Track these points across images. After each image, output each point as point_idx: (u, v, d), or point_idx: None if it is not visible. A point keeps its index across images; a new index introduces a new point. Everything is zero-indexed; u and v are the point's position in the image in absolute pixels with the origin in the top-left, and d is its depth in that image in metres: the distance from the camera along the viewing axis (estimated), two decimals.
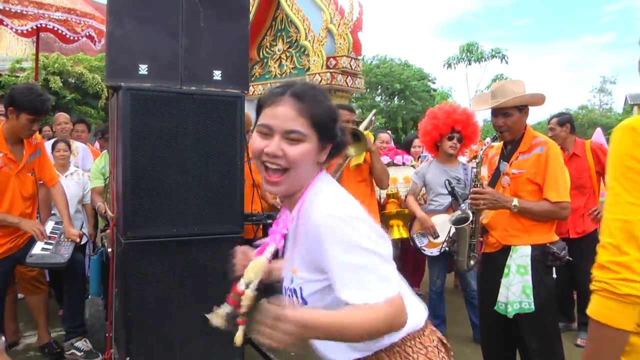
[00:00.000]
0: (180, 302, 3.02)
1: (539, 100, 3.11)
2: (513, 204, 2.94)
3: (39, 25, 6.19)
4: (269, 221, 4.30)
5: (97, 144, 6.38)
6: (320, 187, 1.50)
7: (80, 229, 4.54)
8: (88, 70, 13.45)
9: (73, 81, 13.42)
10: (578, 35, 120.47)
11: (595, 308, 1.36)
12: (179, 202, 2.99)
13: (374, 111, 3.69)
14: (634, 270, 1.29)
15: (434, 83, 35.36)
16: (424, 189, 4.82)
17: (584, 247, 4.26)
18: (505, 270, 2.98)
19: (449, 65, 36.22)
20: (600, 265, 1.36)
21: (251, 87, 7.67)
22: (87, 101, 13.84)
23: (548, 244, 2.96)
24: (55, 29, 6.25)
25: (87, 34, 6.50)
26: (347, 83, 7.22)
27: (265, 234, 4.74)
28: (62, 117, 6.00)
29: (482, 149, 3.19)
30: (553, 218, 3.01)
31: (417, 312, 1.57)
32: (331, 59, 7.18)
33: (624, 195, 1.37)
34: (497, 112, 3.09)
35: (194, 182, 3.03)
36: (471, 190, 3.07)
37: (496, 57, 35.15)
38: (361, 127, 3.60)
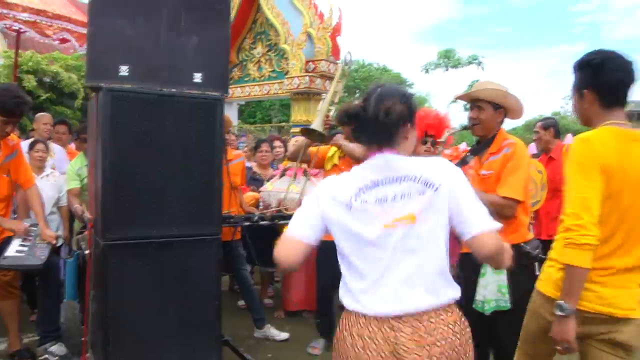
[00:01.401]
0: (159, 304, 3.00)
1: (514, 104, 3.17)
2: None
3: (2, 26, 5.92)
4: (247, 223, 4.31)
5: (72, 145, 6.29)
6: None
7: (56, 231, 4.49)
8: (64, 69, 13.16)
9: (48, 80, 13.09)
10: (553, 43, 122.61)
11: (566, 256, 2.06)
12: (158, 203, 2.98)
13: (324, 104, 3.66)
14: (587, 228, 2.02)
15: (411, 88, 35.63)
16: None
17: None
18: (482, 270, 3.04)
19: (427, 71, 36.57)
20: (566, 228, 2.07)
21: (230, 90, 7.65)
22: (62, 101, 13.56)
23: (521, 244, 3.01)
24: (22, 30, 5.97)
25: (61, 37, 6.25)
26: (325, 87, 7.25)
27: (243, 236, 4.78)
28: (45, 117, 5.90)
29: (447, 133, 3.39)
30: (497, 213, 3.03)
31: (353, 297, 1.82)
32: (310, 63, 7.21)
33: (581, 181, 2.10)
34: (472, 104, 3.20)
35: (173, 184, 3.03)
36: None
37: (473, 63, 35.57)
38: (316, 124, 3.65)
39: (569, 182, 2.15)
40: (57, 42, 6.27)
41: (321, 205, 1.87)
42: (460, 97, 3.35)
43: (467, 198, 1.82)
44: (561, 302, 2.09)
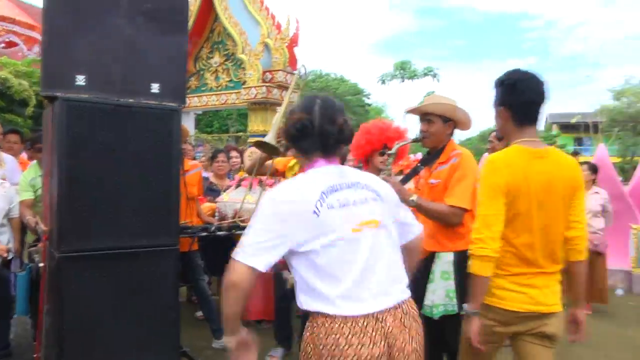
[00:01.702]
0: (116, 316, 2.96)
1: (462, 117, 3.30)
2: (412, 198, 3.12)
3: None
4: (204, 233, 4.30)
5: (24, 154, 6.14)
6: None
7: (7, 244, 4.38)
8: (14, 75, 12.71)
9: None
10: (505, 57, 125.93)
11: (472, 267, 2.36)
12: (114, 214, 2.95)
13: (278, 117, 3.69)
14: (487, 243, 2.31)
15: (368, 98, 36.03)
16: None
17: None
18: (431, 276, 3.15)
19: (383, 82, 37.03)
20: (471, 241, 2.38)
21: (187, 99, 7.61)
22: (12, 109, 13.17)
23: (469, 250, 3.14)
24: None
25: (7, 40, 6.05)
26: (282, 97, 7.29)
27: (200, 247, 4.76)
28: None
29: (397, 144, 3.46)
30: (445, 222, 3.16)
31: (316, 300, 1.87)
32: (267, 73, 7.23)
33: (485, 201, 2.38)
34: (422, 117, 3.31)
35: (130, 195, 3.00)
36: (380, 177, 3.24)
37: (428, 75, 36.21)
38: (268, 137, 3.70)
39: (478, 200, 2.46)
40: (2, 45, 6.04)
41: (282, 221, 1.85)
42: (411, 111, 3.43)
43: (400, 204, 2.20)
44: (466, 305, 2.44)
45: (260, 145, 3.71)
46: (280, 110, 3.90)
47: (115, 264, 2.96)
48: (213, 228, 4.29)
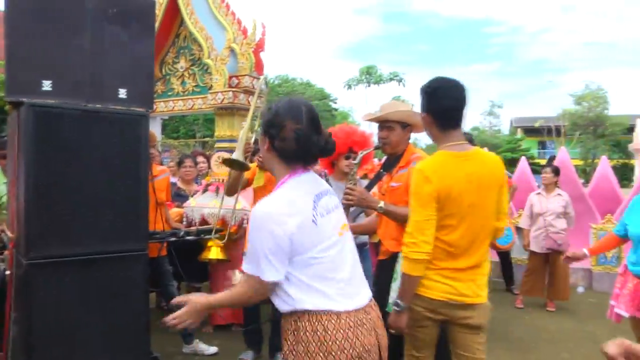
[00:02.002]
0: (86, 323, 2.95)
1: (419, 121, 3.37)
2: (379, 205, 3.21)
3: None
4: (173, 238, 4.30)
5: None
6: (278, 189, 2.01)
7: None
8: None
9: None
10: (470, 62, 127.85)
11: (404, 267, 2.57)
12: (83, 220, 2.94)
13: (243, 132, 3.71)
14: (419, 246, 2.50)
15: (335, 103, 36.19)
16: None
17: None
18: (395, 275, 3.22)
19: (349, 86, 37.24)
20: (404, 244, 2.57)
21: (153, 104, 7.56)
22: None
23: None
24: None
25: None
26: (249, 102, 7.30)
27: (169, 252, 4.75)
28: None
29: (361, 153, 3.50)
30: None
31: (318, 298, 1.94)
32: (233, 78, 7.22)
33: (416, 208, 2.56)
34: (382, 125, 3.38)
35: (98, 200, 3.00)
36: (346, 186, 3.29)
37: (394, 80, 36.55)
38: (236, 154, 3.73)
39: (410, 206, 2.64)
40: None
41: (283, 237, 1.89)
42: (371, 120, 3.49)
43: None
44: (398, 300, 2.64)
45: (230, 163, 3.75)
46: (246, 125, 3.92)
47: (84, 270, 2.95)
48: (182, 233, 4.30)
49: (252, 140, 4.14)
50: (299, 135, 1.97)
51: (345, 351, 1.89)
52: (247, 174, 4.25)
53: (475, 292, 2.64)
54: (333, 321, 1.91)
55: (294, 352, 1.94)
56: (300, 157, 2.03)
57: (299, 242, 1.90)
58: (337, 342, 1.89)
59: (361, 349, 1.93)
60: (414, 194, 2.59)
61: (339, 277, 1.98)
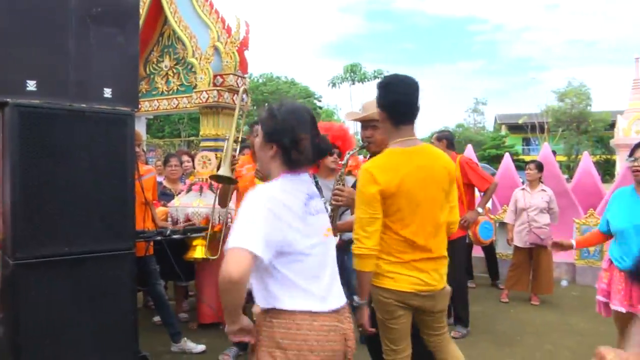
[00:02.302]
0: (74, 322, 2.95)
1: None
2: None
3: None
4: (160, 237, 4.30)
5: None
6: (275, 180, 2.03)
7: None
8: None
9: None
10: (454, 60, 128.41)
11: (356, 264, 2.64)
12: (69, 220, 2.94)
13: (228, 146, 3.72)
14: (363, 242, 2.60)
15: (319, 101, 36.21)
16: None
17: (449, 251, 4.63)
18: None
19: (334, 85, 37.25)
20: (352, 240, 2.66)
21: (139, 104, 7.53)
22: None
23: None
24: None
25: None
26: (234, 101, 7.31)
27: (156, 251, 4.75)
28: None
29: (348, 154, 3.50)
30: None
31: (299, 297, 1.96)
32: (218, 77, 7.23)
33: (361, 206, 2.64)
34: (366, 124, 3.37)
35: (85, 200, 3.00)
36: (334, 188, 3.32)
37: (378, 78, 36.61)
38: (223, 170, 3.74)
39: (355, 204, 2.74)
40: None
41: (278, 218, 1.89)
42: (356, 119, 3.51)
43: None
44: (355, 297, 2.73)
45: (218, 179, 3.77)
46: (230, 139, 3.93)
47: (71, 270, 2.95)
48: (168, 232, 4.31)
49: (237, 152, 4.17)
50: (316, 146, 2.06)
51: (315, 353, 1.93)
52: (242, 187, 4.24)
53: (439, 280, 2.78)
54: (307, 322, 1.95)
55: (265, 346, 1.97)
56: (307, 163, 2.09)
57: (289, 231, 1.92)
58: (308, 342, 1.93)
59: (330, 353, 1.97)
60: (359, 192, 2.69)
61: (324, 277, 2.04)
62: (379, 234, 2.65)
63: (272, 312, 1.97)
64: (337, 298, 2.08)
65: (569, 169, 33.98)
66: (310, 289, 1.98)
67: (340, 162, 5.32)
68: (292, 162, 2.03)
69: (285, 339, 1.93)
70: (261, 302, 2.01)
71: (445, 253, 2.85)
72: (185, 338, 4.77)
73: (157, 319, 5.44)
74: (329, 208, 3.39)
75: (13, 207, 2.80)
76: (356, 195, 2.73)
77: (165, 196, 5.79)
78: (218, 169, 5.48)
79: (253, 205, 1.90)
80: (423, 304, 2.76)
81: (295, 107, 2.09)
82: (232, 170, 3.84)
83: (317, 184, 4.18)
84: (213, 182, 4.84)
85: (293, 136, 2.00)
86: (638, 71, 17.31)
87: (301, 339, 1.92)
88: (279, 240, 1.89)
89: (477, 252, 7.79)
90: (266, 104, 2.23)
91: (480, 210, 5.46)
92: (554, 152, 8.99)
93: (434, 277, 2.75)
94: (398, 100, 2.73)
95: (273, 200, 1.91)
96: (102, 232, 3.07)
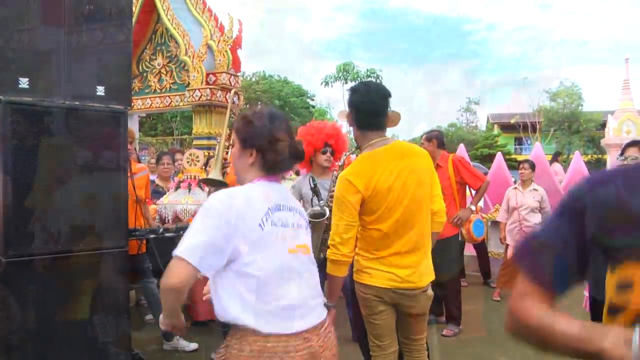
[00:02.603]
0: (66, 320, 2.96)
1: (394, 118, 3.42)
2: None
3: None
4: (152, 236, 4.30)
5: None
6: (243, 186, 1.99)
7: None
8: None
9: None
10: (447, 59, 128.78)
11: (329, 268, 2.67)
12: (63, 217, 2.94)
13: (219, 149, 3.73)
14: (338, 248, 2.63)
15: (312, 100, 36.19)
16: (301, 202, 5.00)
17: (442, 249, 4.64)
18: None
19: (327, 83, 37.21)
20: (329, 246, 2.68)
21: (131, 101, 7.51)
22: None
23: None
24: None
25: None
26: (226, 99, 7.30)
27: (149, 249, 4.74)
28: None
29: (344, 155, 3.52)
30: None
31: (252, 315, 1.84)
32: (211, 75, 7.23)
33: (337, 213, 2.68)
34: None
35: (77, 198, 3.00)
36: (331, 189, 3.33)
37: (371, 77, 36.60)
38: (214, 174, 3.75)
39: (333, 211, 2.79)
40: None
41: (231, 227, 1.81)
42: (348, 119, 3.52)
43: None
44: (325, 300, 2.63)
45: (209, 182, 3.78)
46: (221, 142, 3.93)
47: (64, 268, 2.95)
48: (161, 230, 4.30)
49: (228, 155, 4.17)
50: (293, 148, 2.02)
51: None
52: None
53: (418, 278, 2.77)
54: (259, 342, 1.83)
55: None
56: (284, 166, 2.05)
57: (237, 236, 1.82)
58: None
59: None
60: (336, 199, 2.73)
61: (280, 295, 1.89)
62: (354, 240, 2.70)
63: (236, 329, 1.89)
64: (303, 318, 1.93)
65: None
66: (262, 307, 1.85)
67: (335, 162, 5.33)
68: (270, 164, 1.99)
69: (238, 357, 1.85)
70: (227, 316, 1.90)
71: (429, 248, 2.86)
72: (178, 336, 4.77)
73: (149, 317, 5.43)
74: (326, 208, 3.38)
75: (5, 205, 2.80)
76: (334, 203, 2.77)
77: (158, 194, 5.77)
78: (206, 166, 5.49)
79: (206, 213, 1.84)
80: (400, 302, 2.77)
81: (269, 112, 2.06)
82: (224, 173, 3.85)
83: (315, 186, 4.21)
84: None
85: (270, 138, 1.97)
86: (628, 72, 17.39)
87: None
88: (230, 250, 1.82)
89: (470, 251, 7.81)
90: (242, 112, 2.16)
91: (473, 208, 5.48)
92: (558, 153, 9.02)
93: (412, 274, 2.75)
94: (363, 107, 2.78)
95: (229, 209, 1.83)
96: (95, 229, 3.06)
